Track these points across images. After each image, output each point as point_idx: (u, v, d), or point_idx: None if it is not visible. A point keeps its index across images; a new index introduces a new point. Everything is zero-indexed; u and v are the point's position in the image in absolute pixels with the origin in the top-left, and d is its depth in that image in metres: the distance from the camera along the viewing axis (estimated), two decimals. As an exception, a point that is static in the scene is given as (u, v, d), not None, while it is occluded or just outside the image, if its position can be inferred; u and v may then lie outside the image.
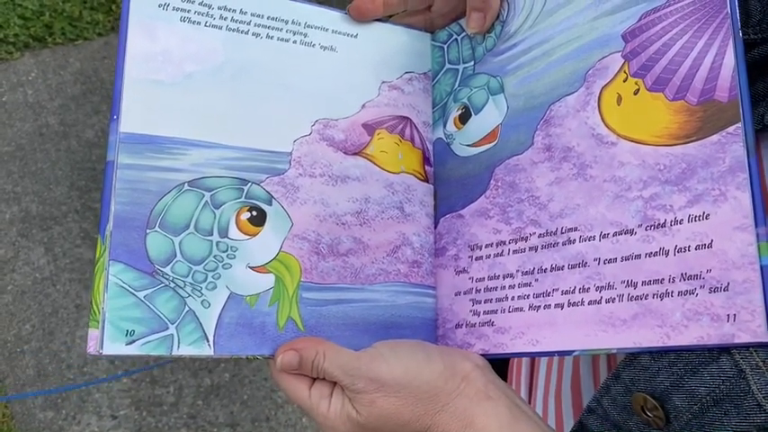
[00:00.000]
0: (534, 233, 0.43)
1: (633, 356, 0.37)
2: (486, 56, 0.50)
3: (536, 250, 0.43)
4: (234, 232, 0.45)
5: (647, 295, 0.36)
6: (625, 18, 0.41)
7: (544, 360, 0.53)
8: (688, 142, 0.36)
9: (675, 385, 0.34)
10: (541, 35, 0.46)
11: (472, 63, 0.51)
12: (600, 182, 0.40)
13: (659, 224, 0.37)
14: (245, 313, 0.44)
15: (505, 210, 0.45)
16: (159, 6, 0.46)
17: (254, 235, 0.45)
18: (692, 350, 0.34)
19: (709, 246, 0.34)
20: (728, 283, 0.33)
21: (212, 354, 0.43)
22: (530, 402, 0.54)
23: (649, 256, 0.37)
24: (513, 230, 0.45)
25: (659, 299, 0.36)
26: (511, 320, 0.43)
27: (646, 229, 0.37)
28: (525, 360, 0.56)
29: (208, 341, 0.43)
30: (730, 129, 0.35)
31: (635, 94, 0.39)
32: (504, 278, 0.44)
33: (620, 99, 0.40)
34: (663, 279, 0.36)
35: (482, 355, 0.45)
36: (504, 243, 0.45)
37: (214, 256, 0.44)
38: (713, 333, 0.33)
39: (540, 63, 0.45)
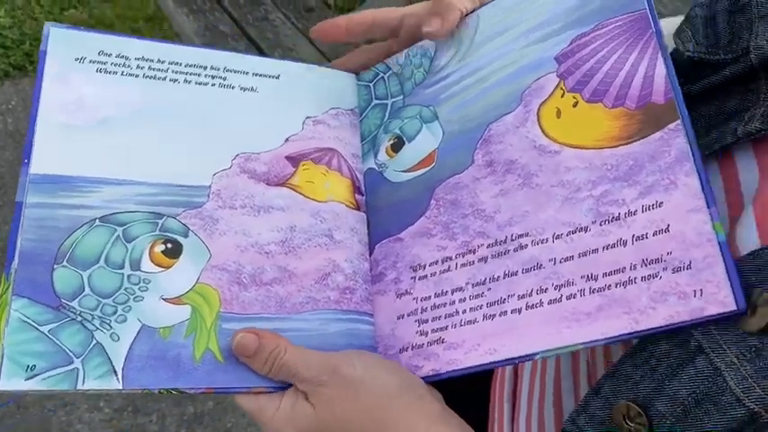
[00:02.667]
0: (482, 244, 0.43)
1: (615, 368, 0.36)
2: (415, 89, 0.51)
3: (485, 261, 0.43)
4: (147, 265, 0.45)
5: (610, 285, 0.37)
6: (556, 43, 0.44)
7: (526, 380, 0.52)
8: (631, 142, 0.39)
9: (657, 390, 0.34)
10: (473, 66, 0.48)
11: (401, 97, 0.52)
12: (547, 188, 0.42)
13: (613, 218, 0.39)
14: (158, 345, 0.43)
15: (449, 226, 0.45)
16: (76, 60, 0.48)
17: (169, 267, 0.45)
18: (663, 332, 0.35)
19: (667, 230, 0.36)
20: (690, 261, 0.35)
21: (121, 388, 0.41)
22: (512, 426, 0.53)
23: (607, 249, 0.38)
24: (459, 245, 0.44)
25: (623, 287, 0.37)
26: (464, 334, 0.42)
27: (600, 225, 0.39)
28: (507, 382, 0.55)
29: (116, 375, 0.41)
30: (671, 125, 0.38)
31: (574, 106, 0.42)
32: (452, 293, 0.44)
33: (559, 113, 0.43)
34: (624, 268, 0.37)
35: (434, 375, 0.43)
36: (451, 258, 0.45)
37: (125, 289, 0.44)
38: (682, 310, 0.35)
39: (474, 89, 0.48)
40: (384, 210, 0.50)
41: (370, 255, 0.49)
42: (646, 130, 0.39)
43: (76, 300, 0.42)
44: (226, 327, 0.44)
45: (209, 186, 0.48)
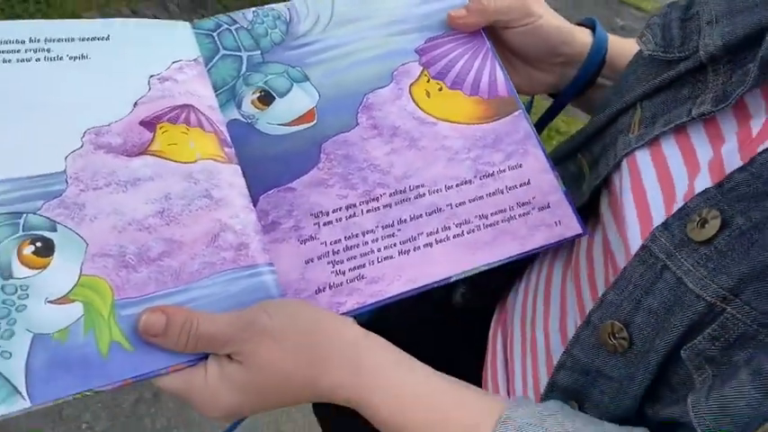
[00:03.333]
0: (384, 193, 0.51)
1: (600, 300, 0.44)
2: (274, 48, 0.53)
3: (390, 206, 0.50)
4: (19, 270, 0.41)
5: (498, 222, 0.51)
6: (415, 39, 0.56)
7: (518, 360, 0.55)
8: (492, 121, 0.54)
9: (636, 307, 0.42)
10: (338, 40, 0.55)
11: (259, 52, 0.53)
12: (432, 150, 0.53)
13: (488, 174, 0.53)
14: (58, 351, 0.40)
15: (346, 178, 0.51)
16: None
17: (45, 267, 0.41)
18: (543, 249, 0.51)
19: (528, 183, 0.53)
20: (549, 203, 0.52)
21: (29, 405, 0.38)
22: (506, 369, 0.56)
23: (489, 196, 0.52)
24: (360, 194, 0.50)
25: (507, 222, 0.51)
26: (383, 269, 0.49)
27: (480, 179, 0.52)
28: (500, 364, 0.57)
29: (20, 394, 0.38)
30: (516, 113, 0.55)
31: (440, 90, 0.55)
32: (364, 235, 0.49)
33: (428, 94, 0.54)
34: (505, 209, 0.52)
35: (359, 308, 0.48)
36: (355, 206, 0.50)
37: (3, 302, 0.40)
38: (551, 234, 0.52)
39: (343, 61, 0.54)
40: (263, 161, 0.50)
41: (255, 206, 0.49)
42: (500, 114, 0.55)
43: None
44: (125, 313, 0.42)
45: (65, 171, 0.44)
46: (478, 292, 0.64)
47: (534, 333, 0.56)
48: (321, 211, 0.49)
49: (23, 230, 0.42)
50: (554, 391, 0.47)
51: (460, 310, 0.66)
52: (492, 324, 0.64)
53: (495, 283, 0.64)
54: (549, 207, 0.52)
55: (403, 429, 0.42)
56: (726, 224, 0.39)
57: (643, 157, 0.48)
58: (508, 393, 0.56)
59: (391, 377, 0.43)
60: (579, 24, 0.62)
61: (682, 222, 0.41)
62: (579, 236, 0.52)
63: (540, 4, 0.58)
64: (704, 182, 0.43)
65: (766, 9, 0.44)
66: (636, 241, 0.45)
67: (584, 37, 0.61)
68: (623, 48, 0.61)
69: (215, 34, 0.53)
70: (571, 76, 0.61)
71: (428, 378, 0.44)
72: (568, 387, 0.46)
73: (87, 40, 0.49)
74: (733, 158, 0.42)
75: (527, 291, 0.60)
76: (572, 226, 0.52)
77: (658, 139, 0.47)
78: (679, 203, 0.44)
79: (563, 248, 0.56)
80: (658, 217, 0.45)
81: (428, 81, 0.55)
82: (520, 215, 0.52)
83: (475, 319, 0.66)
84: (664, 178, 0.46)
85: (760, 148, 0.40)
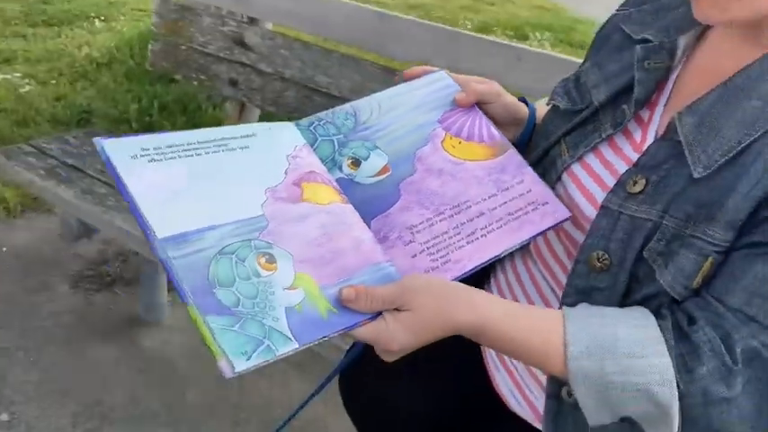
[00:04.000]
0: (446, 209, 0.77)
1: (581, 246, 0.73)
2: (351, 132, 0.80)
3: (453, 216, 0.76)
4: (262, 272, 0.65)
5: (520, 216, 0.78)
6: (434, 115, 0.85)
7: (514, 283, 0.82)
8: (496, 158, 0.83)
9: (608, 239, 0.70)
10: (388, 122, 0.82)
11: (342, 136, 0.80)
12: (467, 179, 0.80)
13: (506, 188, 0.80)
14: (300, 316, 0.63)
15: (421, 203, 0.77)
16: (131, 157, 0.67)
17: (275, 270, 0.65)
18: (551, 228, 0.78)
19: (530, 191, 0.81)
20: (546, 201, 0.80)
21: (298, 346, 0.61)
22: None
23: (510, 201, 0.79)
24: (432, 212, 0.76)
25: (525, 215, 0.79)
26: (461, 253, 0.74)
27: (501, 192, 0.80)
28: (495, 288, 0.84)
29: (291, 339, 0.61)
30: (509, 150, 0.84)
31: (459, 143, 0.83)
32: (442, 235, 0.75)
33: (454, 146, 0.82)
34: (522, 207, 0.79)
35: (454, 278, 0.72)
36: (431, 219, 0.76)
37: (261, 290, 0.63)
38: (552, 219, 0.78)
39: (396, 134, 0.81)
40: (364, 201, 0.75)
41: (369, 227, 0.73)
42: (500, 152, 0.83)
43: (239, 306, 0.61)
44: (326, 292, 0.66)
45: (263, 214, 0.69)
46: None
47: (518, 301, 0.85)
48: (412, 225, 0.75)
49: (255, 249, 0.65)
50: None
51: None
52: None
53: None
54: (547, 203, 0.80)
55: (510, 337, 0.67)
56: (648, 181, 0.70)
57: (577, 169, 0.80)
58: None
59: (494, 309, 0.68)
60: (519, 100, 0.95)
61: (622, 187, 0.72)
62: (569, 218, 0.80)
63: (501, 90, 0.90)
64: (622, 168, 0.74)
65: (624, 76, 0.78)
66: (592, 215, 0.75)
67: (524, 109, 0.93)
68: (540, 113, 0.94)
69: (311, 128, 0.79)
70: (519, 133, 0.93)
71: (514, 306, 0.70)
72: (573, 306, 0.72)
73: (244, 137, 0.74)
74: (633, 155, 0.75)
75: (498, 283, 0.90)
76: (563, 212, 0.80)
77: (583, 156, 0.80)
78: (610, 186, 0.74)
79: (519, 251, 0.83)
80: (600, 196, 0.75)
81: (451, 138, 0.83)
82: (532, 210, 0.80)
83: None
84: (594, 177, 0.78)
85: (644, 147, 0.73)
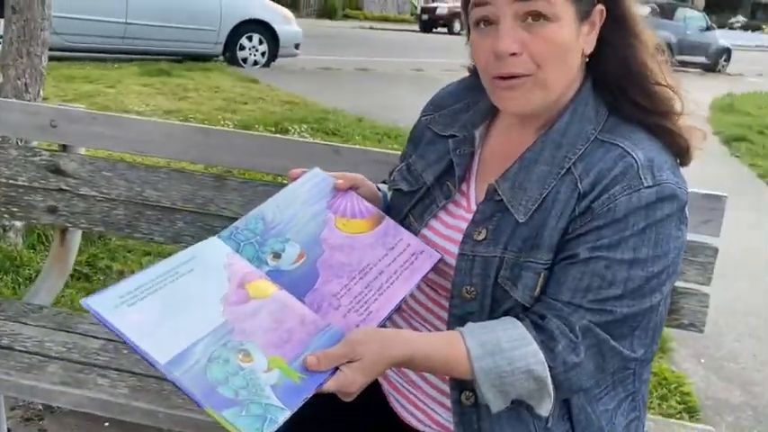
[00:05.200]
0: (356, 275, 0.98)
1: (452, 282, 0.99)
2: (264, 233, 0.98)
3: (362, 277, 0.98)
4: (244, 365, 0.81)
5: (408, 265, 1.01)
6: (324, 203, 1.05)
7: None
8: (377, 226, 1.06)
9: (470, 276, 0.98)
10: (288, 217, 1.02)
11: (258, 237, 0.98)
12: (362, 247, 1.02)
13: (392, 246, 1.03)
14: (282, 388, 0.80)
15: (336, 274, 0.97)
16: (114, 307, 0.82)
17: (253, 360, 0.82)
18: (432, 269, 1.03)
19: (410, 245, 1.04)
20: (423, 250, 1.04)
21: (290, 411, 0.78)
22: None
23: (398, 256, 1.02)
24: (347, 278, 0.97)
25: (412, 264, 1.02)
26: (377, 305, 0.95)
27: (389, 250, 1.03)
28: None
29: (283, 408, 0.78)
30: (385, 219, 1.07)
31: (348, 221, 1.05)
32: (360, 295, 0.96)
33: (344, 224, 1.04)
34: (408, 259, 1.02)
35: (380, 323, 0.93)
36: (348, 284, 0.96)
37: (249, 379, 0.79)
38: (430, 263, 1.03)
39: (299, 225, 1.01)
40: (293, 284, 0.94)
41: (303, 303, 0.92)
42: (378, 222, 1.07)
43: (239, 395, 0.77)
44: (294, 365, 0.83)
45: (226, 320, 0.85)
46: None
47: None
48: (336, 293, 0.95)
49: (232, 349, 0.82)
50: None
51: None
52: None
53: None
54: (423, 251, 1.05)
55: (432, 357, 0.90)
56: (487, 230, 0.98)
57: (427, 233, 1.07)
58: None
59: (417, 340, 0.91)
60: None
61: (470, 237, 0.99)
62: (441, 258, 1.05)
63: (363, 177, 1.14)
64: (462, 226, 1.02)
65: (443, 162, 1.08)
66: (452, 262, 1.01)
67: (379, 193, 1.18)
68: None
69: (232, 237, 0.96)
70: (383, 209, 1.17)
71: (428, 335, 0.94)
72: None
73: (185, 263, 0.90)
74: (466, 215, 1.03)
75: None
76: (436, 255, 1.05)
77: (428, 222, 1.07)
78: (456, 240, 1.02)
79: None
80: (452, 248, 1.02)
81: (340, 219, 1.05)
82: (415, 259, 1.03)
83: None
84: (441, 236, 1.05)
85: (472, 208, 1.02)
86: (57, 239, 2.06)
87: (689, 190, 0.96)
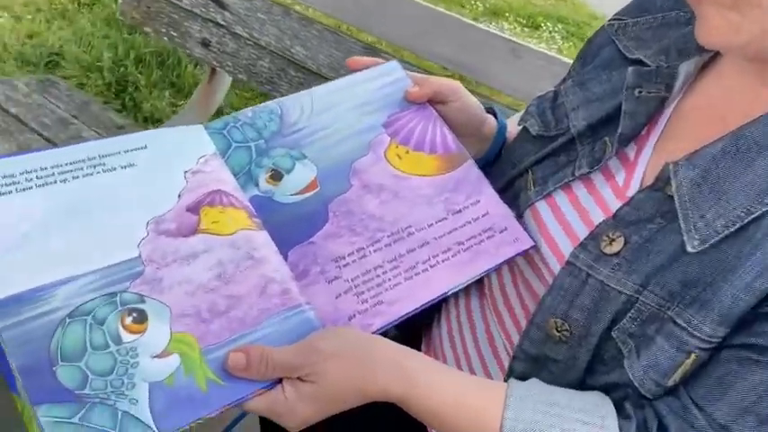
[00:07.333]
0: (383, 236, 0.64)
1: (539, 304, 0.60)
2: (274, 136, 0.67)
3: (390, 245, 0.64)
4: (125, 336, 0.52)
5: (472, 245, 0.66)
6: (380, 116, 0.71)
7: (467, 335, 0.70)
8: (449, 172, 0.70)
9: (570, 305, 0.58)
10: (321, 124, 0.69)
11: (263, 141, 0.66)
12: (411, 198, 0.67)
13: (457, 210, 0.67)
14: (170, 393, 0.50)
15: (352, 228, 0.64)
16: None
17: (144, 331, 0.52)
18: (510, 260, 0.66)
19: (488, 213, 0.68)
20: (506, 227, 0.67)
21: None
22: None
23: (461, 227, 0.67)
24: (366, 239, 0.63)
25: (479, 244, 0.66)
26: (397, 293, 0.61)
27: (452, 215, 0.67)
28: (446, 339, 0.71)
29: (151, 429, 0.49)
30: (466, 163, 0.71)
31: (406, 153, 0.70)
32: (375, 269, 0.62)
33: (399, 156, 0.69)
34: (475, 235, 0.66)
35: (386, 325, 0.60)
36: (364, 248, 0.63)
37: (120, 362, 0.50)
38: (512, 249, 0.66)
39: (329, 140, 0.68)
40: (285, 225, 0.62)
41: (286, 260, 0.61)
42: (454, 165, 0.70)
43: (87, 386, 0.48)
44: (211, 357, 0.53)
45: (140, 256, 0.55)
46: (406, 331, 0.76)
47: (467, 352, 0.71)
48: (339, 257, 0.62)
49: (120, 305, 0.52)
50: (511, 378, 0.61)
51: None
52: (422, 351, 0.79)
53: (419, 320, 0.78)
54: (506, 229, 0.68)
55: (439, 417, 0.55)
56: (627, 241, 0.57)
57: (542, 208, 0.66)
58: None
59: (428, 377, 0.56)
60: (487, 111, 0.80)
61: (595, 243, 0.59)
62: (533, 247, 0.67)
63: (464, 90, 0.76)
64: (598, 216, 0.61)
65: (610, 101, 0.64)
66: (555, 267, 0.62)
67: (490, 119, 0.79)
68: (511, 131, 0.80)
69: (224, 132, 0.66)
70: (484, 150, 0.79)
71: (454, 374, 0.58)
72: (524, 373, 0.61)
73: (130, 151, 0.60)
74: (613, 202, 0.61)
75: (449, 321, 0.76)
76: (526, 240, 0.67)
77: (551, 193, 0.66)
78: (579, 236, 0.61)
79: (476, 283, 0.71)
80: (566, 247, 0.62)
81: (396, 147, 0.70)
82: (487, 237, 0.67)
83: None
84: (561, 220, 0.65)
85: (629, 193, 0.60)
86: (206, 76, 1.95)
87: None
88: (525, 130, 0.72)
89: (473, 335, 0.72)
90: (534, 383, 0.58)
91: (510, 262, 0.67)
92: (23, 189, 0.55)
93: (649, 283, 0.55)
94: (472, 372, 0.70)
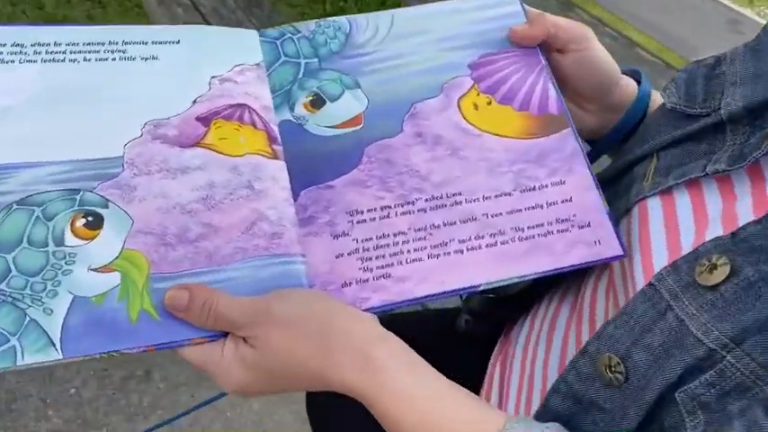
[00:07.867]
0: (420, 198, 0.51)
1: (599, 332, 0.44)
2: (332, 56, 0.56)
3: (425, 211, 0.51)
4: (70, 239, 0.46)
5: (534, 236, 0.51)
6: (469, 54, 0.57)
7: (513, 392, 0.56)
8: (538, 137, 0.54)
9: (634, 343, 0.42)
10: (392, 52, 0.57)
11: (316, 60, 0.56)
12: (473, 160, 0.53)
13: (530, 188, 0.52)
14: (93, 313, 0.44)
15: (384, 180, 0.52)
16: None
17: (92, 238, 0.46)
18: (579, 267, 0.50)
19: (570, 200, 0.52)
20: (589, 222, 0.51)
21: (61, 357, 0.42)
22: (501, 388, 0.57)
23: (528, 209, 0.51)
24: (396, 197, 0.51)
25: (544, 236, 0.51)
26: (411, 270, 0.49)
27: (521, 192, 0.52)
28: (494, 394, 0.58)
29: (54, 346, 0.42)
30: (564, 131, 0.54)
31: (488, 104, 0.55)
32: (395, 236, 0.50)
33: (476, 106, 0.55)
34: (543, 224, 0.51)
35: (383, 305, 0.48)
36: (390, 207, 0.51)
37: (52, 265, 0.45)
38: (588, 253, 0.50)
39: (395, 72, 0.56)
40: (307, 159, 0.52)
41: (295, 200, 0.51)
42: (547, 130, 0.54)
43: (4, 282, 0.43)
44: (158, 286, 0.45)
45: (122, 156, 0.49)
46: (483, 320, 0.64)
47: (533, 369, 0.55)
48: (356, 210, 0.51)
49: (78, 205, 0.47)
50: (545, 416, 0.45)
51: (459, 340, 0.66)
52: (494, 354, 0.63)
53: (501, 314, 0.63)
54: (589, 226, 0.51)
55: (400, 428, 0.42)
56: (734, 272, 0.39)
57: (654, 205, 0.48)
58: None
59: (396, 378, 0.43)
60: (624, 73, 0.61)
61: (690, 265, 0.41)
62: (620, 257, 0.50)
63: (593, 38, 0.58)
64: (716, 233, 0.42)
65: None
66: (640, 283, 0.45)
67: (629, 84, 0.60)
68: (654, 105, 0.59)
69: (278, 42, 0.57)
70: (611, 123, 0.60)
71: (435, 383, 0.43)
72: (561, 413, 0.45)
73: (159, 43, 0.54)
74: (747, 215, 0.42)
75: (531, 327, 0.59)
76: (613, 246, 0.50)
77: (671, 189, 0.47)
78: (683, 251, 0.43)
79: (571, 290, 0.56)
80: (659, 262, 0.44)
81: (478, 95, 0.56)
82: (558, 231, 0.51)
83: (473, 351, 0.64)
84: (671, 227, 0.46)
85: None
86: None
87: None
88: (664, 105, 0.53)
89: (547, 350, 0.56)
90: (555, 425, 0.42)
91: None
92: (27, 61, 0.50)
93: (746, 340, 0.37)
94: (529, 402, 0.55)
